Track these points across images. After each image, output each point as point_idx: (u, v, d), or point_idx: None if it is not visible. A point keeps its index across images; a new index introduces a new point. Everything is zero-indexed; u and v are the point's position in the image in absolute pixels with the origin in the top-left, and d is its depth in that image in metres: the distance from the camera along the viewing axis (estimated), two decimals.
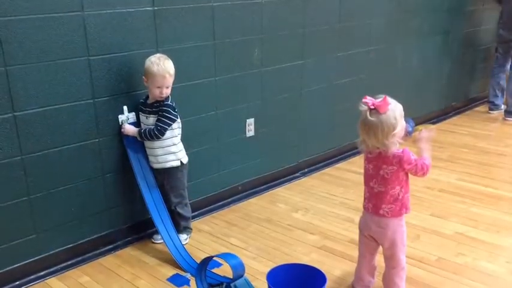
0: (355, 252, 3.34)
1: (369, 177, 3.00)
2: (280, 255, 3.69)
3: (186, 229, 3.93)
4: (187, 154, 3.86)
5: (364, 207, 3.08)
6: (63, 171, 3.48)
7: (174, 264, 3.58)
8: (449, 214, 4.24)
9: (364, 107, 2.81)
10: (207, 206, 4.45)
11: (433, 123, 6.93)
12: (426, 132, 3.04)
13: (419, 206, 4.35)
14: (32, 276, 3.50)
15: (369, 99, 2.80)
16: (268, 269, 3.07)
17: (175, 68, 3.61)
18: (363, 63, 5.62)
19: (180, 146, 3.79)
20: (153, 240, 3.94)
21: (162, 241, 3.75)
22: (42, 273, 3.53)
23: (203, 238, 3.98)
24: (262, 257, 3.68)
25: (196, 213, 4.28)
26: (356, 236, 3.26)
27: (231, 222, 4.23)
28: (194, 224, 4.13)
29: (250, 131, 4.62)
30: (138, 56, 3.66)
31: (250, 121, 4.60)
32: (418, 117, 6.27)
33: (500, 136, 6.35)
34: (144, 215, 3.92)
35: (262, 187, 4.88)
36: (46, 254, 3.55)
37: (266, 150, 4.85)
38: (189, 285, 3.37)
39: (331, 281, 3.29)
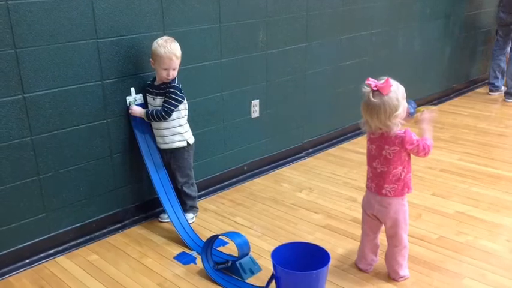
0: (358, 231, 3.41)
1: (372, 158, 3.05)
2: (285, 234, 3.75)
3: (193, 208, 4.00)
4: (193, 135, 3.92)
5: (367, 187, 3.14)
6: (72, 152, 3.54)
7: (180, 242, 3.65)
8: (451, 194, 4.31)
9: (367, 89, 2.86)
10: (213, 185, 4.52)
11: (435, 104, 6.97)
12: (428, 113, 3.09)
13: (421, 186, 4.42)
14: (42, 254, 3.56)
15: (371, 81, 2.85)
16: (272, 248, 3.12)
17: (181, 50, 3.66)
18: (366, 46, 5.67)
19: (187, 127, 3.84)
20: (160, 219, 4.01)
21: (169, 220, 3.82)
22: (51, 251, 3.60)
23: (209, 217, 4.04)
24: (267, 235, 3.74)
25: (202, 192, 4.35)
26: (359, 215, 3.32)
27: (237, 202, 4.29)
28: (200, 203, 4.19)
29: (255, 112, 4.67)
30: (146, 39, 3.71)
31: (255, 102, 4.65)
32: (419, 98, 6.32)
33: (500, 117, 6.40)
34: (151, 195, 4.00)
35: (267, 167, 4.95)
36: (55, 233, 3.61)
37: (271, 131, 4.90)
38: (195, 263, 3.43)
39: (334, 259, 3.36)
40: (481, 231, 3.70)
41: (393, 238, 3.11)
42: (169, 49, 3.56)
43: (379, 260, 3.31)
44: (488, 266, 3.31)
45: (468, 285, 3.14)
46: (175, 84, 3.69)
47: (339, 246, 3.57)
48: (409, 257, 3.23)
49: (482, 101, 7.17)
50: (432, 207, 4.08)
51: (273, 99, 4.82)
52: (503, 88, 7.27)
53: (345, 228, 3.81)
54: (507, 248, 3.50)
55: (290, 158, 5.17)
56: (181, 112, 3.77)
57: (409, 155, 2.98)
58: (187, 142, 3.83)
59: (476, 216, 3.91)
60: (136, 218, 4.02)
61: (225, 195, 4.43)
